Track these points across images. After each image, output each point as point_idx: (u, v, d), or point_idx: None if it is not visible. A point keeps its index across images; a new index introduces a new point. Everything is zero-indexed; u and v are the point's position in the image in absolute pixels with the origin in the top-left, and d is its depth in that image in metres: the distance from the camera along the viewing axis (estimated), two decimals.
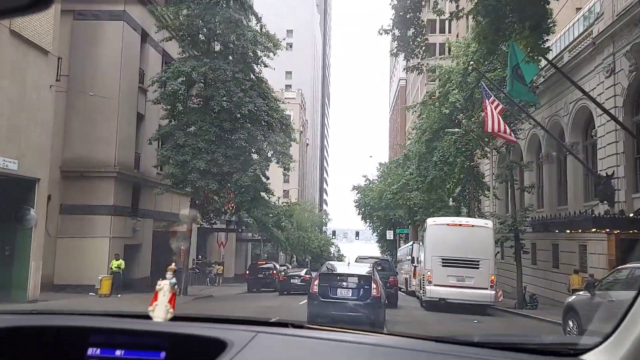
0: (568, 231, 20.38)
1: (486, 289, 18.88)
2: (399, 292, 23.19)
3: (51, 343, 1.88)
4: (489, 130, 19.77)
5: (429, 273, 19.52)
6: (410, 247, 35.99)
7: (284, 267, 40.21)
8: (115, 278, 21.94)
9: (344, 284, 12.55)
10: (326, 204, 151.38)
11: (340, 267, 14.54)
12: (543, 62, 18.60)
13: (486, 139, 24.68)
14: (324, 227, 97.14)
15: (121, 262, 22.35)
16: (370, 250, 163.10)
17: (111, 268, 22.08)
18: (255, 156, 24.57)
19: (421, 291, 21.30)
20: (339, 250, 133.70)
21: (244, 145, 23.20)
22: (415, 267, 31.34)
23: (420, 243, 31.28)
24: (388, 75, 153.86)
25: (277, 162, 24.60)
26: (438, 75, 30.10)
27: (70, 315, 2.08)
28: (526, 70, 16.88)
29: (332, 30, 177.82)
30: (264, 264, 36.26)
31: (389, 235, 74.98)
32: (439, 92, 31.07)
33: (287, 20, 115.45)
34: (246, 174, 23.06)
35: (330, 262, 18.93)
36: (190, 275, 33.93)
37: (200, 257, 38.20)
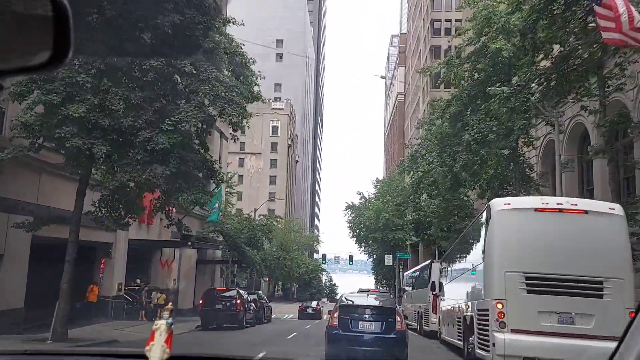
0: None
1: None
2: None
3: None
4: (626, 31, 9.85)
5: (499, 308, 9.59)
6: (425, 270, 26.13)
7: (254, 296, 30.07)
8: None
9: (366, 316, 11.71)
10: (317, 229, 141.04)
11: (358, 299, 13.32)
12: None
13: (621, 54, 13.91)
14: (314, 254, 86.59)
15: None
16: (364, 281, 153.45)
17: None
18: (182, 103, 14.43)
19: (474, 342, 11.28)
20: (330, 279, 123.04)
21: (161, 82, 13.46)
22: (436, 296, 21.54)
23: (442, 264, 21.45)
24: (383, 95, 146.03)
25: (221, 114, 14.68)
26: (475, 17, 20.65)
27: (67, 356, 2.21)
28: None
29: (326, 50, 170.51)
30: (223, 290, 26.19)
31: (388, 260, 64.75)
32: (473, 45, 21.64)
33: (278, 30, 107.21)
34: (165, 131, 13.27)
35: (348, 293, 16.68)
36: (112, 305, 23.72)
37: (138, 281, 28.01)
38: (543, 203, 10.09)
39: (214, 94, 13.79)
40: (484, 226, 10.87)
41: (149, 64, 13.18)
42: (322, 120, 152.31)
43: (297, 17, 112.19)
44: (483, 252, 10.53)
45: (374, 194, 74.29)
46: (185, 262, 35.20)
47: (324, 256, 64.53)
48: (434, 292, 21.57)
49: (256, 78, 16.77)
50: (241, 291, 26.13)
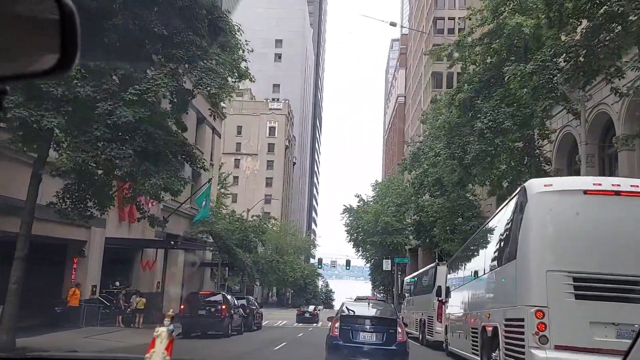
0: None
1: None
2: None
3: None
4: None
5: (539, 318, 7.43)
6: (427, 274, 24.01)
7: (243, 301, 27.83)
8: None
9: (367, 327, 11.58)
10: (315, 234, 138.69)
11: (359, 308, 13.35)
12: None
13: None
14: (311, 258, 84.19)
15: None
16: (361, 287, 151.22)
17: None
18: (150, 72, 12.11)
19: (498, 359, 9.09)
20: (327, 285, 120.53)
21: (126, 44, 11.27)
22: (442, 302, 19.46)
23: (450, 266, 19.30)
24: (383, 97, 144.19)
25: (198, 85, 12.42)
26: None
27: None
28: None
29: (326, 52, 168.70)
30: (208, 294, 23.93)
31: (386, 265, 62.63)
32: (487, 25, 19.57)
33: (277, 30, 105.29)
34: (128, 102, 11.09)
35: (348, 302, 15.74)
36: (84, 310, 21.49)
37: (117, 283, 25.78)
38: (595, 184, 7.91)
39: (190, 61, 11.62)
40: (516, 214, 8.67)
41: (110, 23, 11.02)
42: (320, 123, 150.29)
43: (297, 18, 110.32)
44: (515, 247, 8.34)
45: (372, 197, 72.28)
46: (172, 264, 33.00)
47: (319, 260, 62.25)
48: (439, 298, 19.43)
49: (244, 51, 14.57)
50: (228, 296, 23.90)
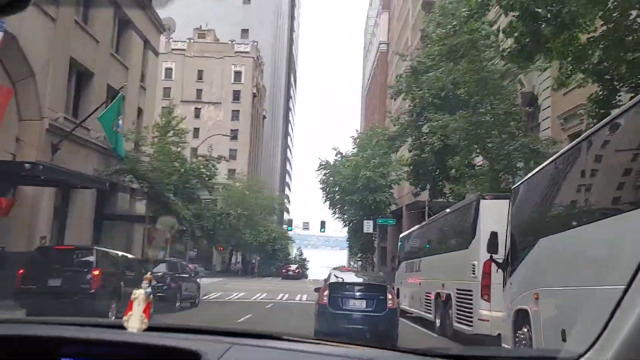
0: None
1: None
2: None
3: (20, 354, 1.81)
4: None
5: None
6: (464, 214, 14.63)
7: (163, 267, 18.36)
8: None
9: (357, 294, 11.63)
10: (289, 200, 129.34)
11: (348, 276, 13.40)
12: None
13: None
14: (284, 225, 74.43)
15: None
16: (337, 257, 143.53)
17: None
18: None
19: None
20: (301, 254, 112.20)
21: None
22: (490, 263, 10.32)
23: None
24: (362, 48, 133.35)
25: None
26: None
27: (40, 325, 2.02)
28: None
29: (301, 2, 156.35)
30: (66, 250, 14.10)
31: (367, 227, 53.77)
32: None
33: None
34: None
35: (336, 269, 15.81)
36: None
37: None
38: None
39: None
40: None
41: None
42: (295, 79, 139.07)
43: None
44: None
45: (353, 148, 62.88)
46: (76, 212, 23.20)
47: (289, 222, 52.94)
48: (495, 258, 10.13)
49: None
50: (111, 251, 14.32)
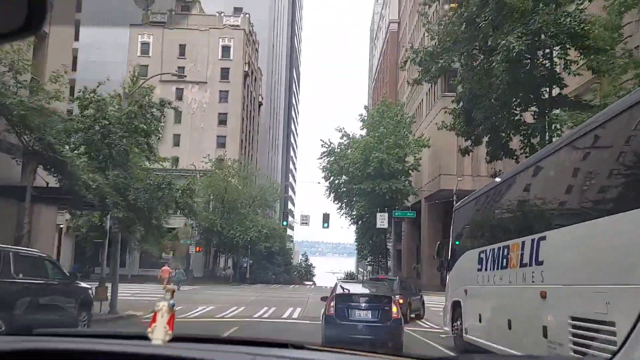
0: None
1: None
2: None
3: None
4: None
5: None
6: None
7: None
8: None
9: (362, 305, 11.91)
10: (293, 202, 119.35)
11: (354, 287, 13.71)
12: None
13: None
14: (285, 222, 63.92)
15: None
16: (345, 264, 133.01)
17: None
18: None
19: None
20: (306, 259, 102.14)
21: None
22: None
23: None
24: (369, 29, 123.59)
25: None
26: None
27: (67, 337, 2.03)
28: None
29: None
30: None
31: (381, 221, 43.54)
32: None
33: None
34: None
35: (343, 281, 16.44)
36: None
37: None
38: None
39: None
40: None
41: None
42: (298, 65, 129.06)
43: None
44: None
45: (361, 129, 52.70)
46: None
47: (284, 215, 42.83)
48: None
49: None
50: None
